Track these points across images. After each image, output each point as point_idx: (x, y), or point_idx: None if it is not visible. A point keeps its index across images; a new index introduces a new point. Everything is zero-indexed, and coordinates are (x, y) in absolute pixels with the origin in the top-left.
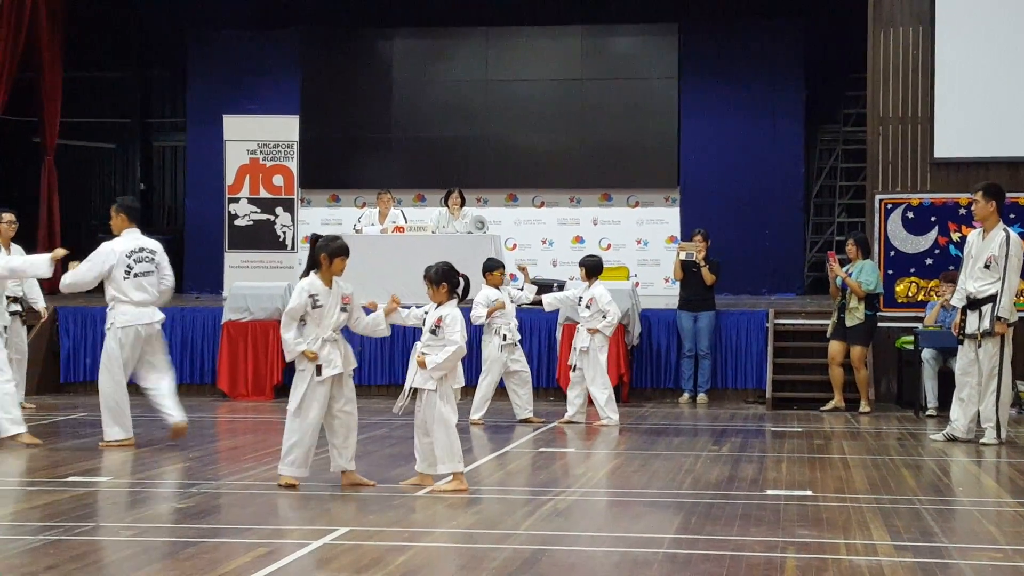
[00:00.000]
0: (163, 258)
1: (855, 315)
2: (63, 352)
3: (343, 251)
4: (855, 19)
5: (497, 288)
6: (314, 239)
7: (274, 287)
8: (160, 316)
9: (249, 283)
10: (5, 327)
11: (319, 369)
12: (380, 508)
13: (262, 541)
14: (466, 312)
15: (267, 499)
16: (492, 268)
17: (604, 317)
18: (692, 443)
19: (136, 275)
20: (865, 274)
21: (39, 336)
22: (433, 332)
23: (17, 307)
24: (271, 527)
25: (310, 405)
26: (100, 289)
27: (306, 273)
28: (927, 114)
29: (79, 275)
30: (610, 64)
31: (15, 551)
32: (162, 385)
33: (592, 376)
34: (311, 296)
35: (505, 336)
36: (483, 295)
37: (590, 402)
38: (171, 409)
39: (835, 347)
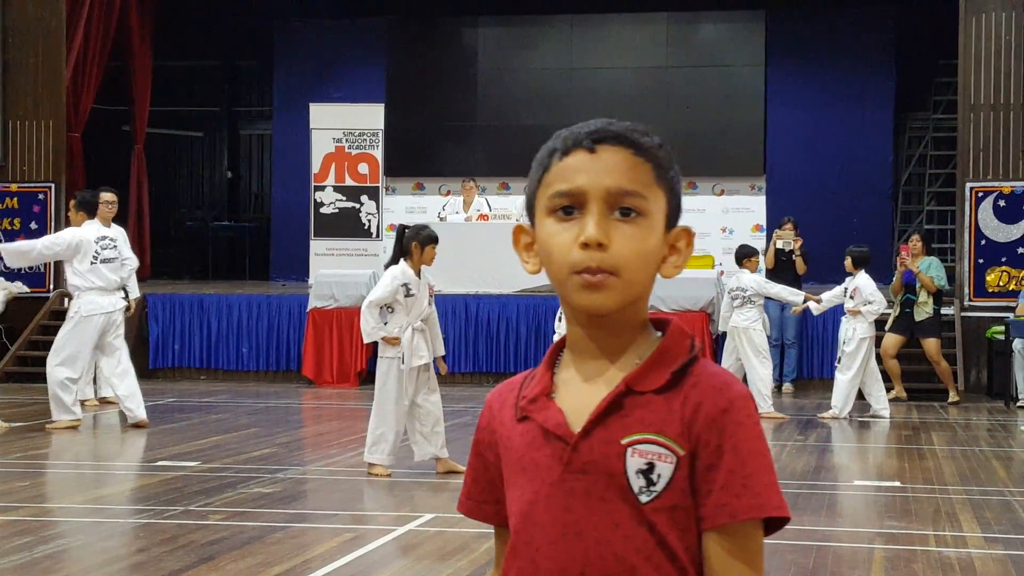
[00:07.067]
0: (124, 244)
1: (924, 309)
2: (152, 338)
3: (434, 239)
4: (946, 5)
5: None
6: (400, 229)
7: (359, 275)
8: (123, 303)
9: (334, 271)
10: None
11: (403, 358)
12: None
13: (348, 527)
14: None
15: (352, 485)
16: (749, 255)
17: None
18: (778, 433)
19: (102, 262)
20: (934, 269)
21: (128, 322)
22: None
23: (120, 294)
24: (357, 513)
25: (398, 394)
26: (186, 277)
27: (394, 261)
28: (1020, 101)
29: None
30: (696, 51)
31: (106, 534)
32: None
33: (847, 365)
34: (404, 285)
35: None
36: (754, 280)
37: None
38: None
39: (891, 340)
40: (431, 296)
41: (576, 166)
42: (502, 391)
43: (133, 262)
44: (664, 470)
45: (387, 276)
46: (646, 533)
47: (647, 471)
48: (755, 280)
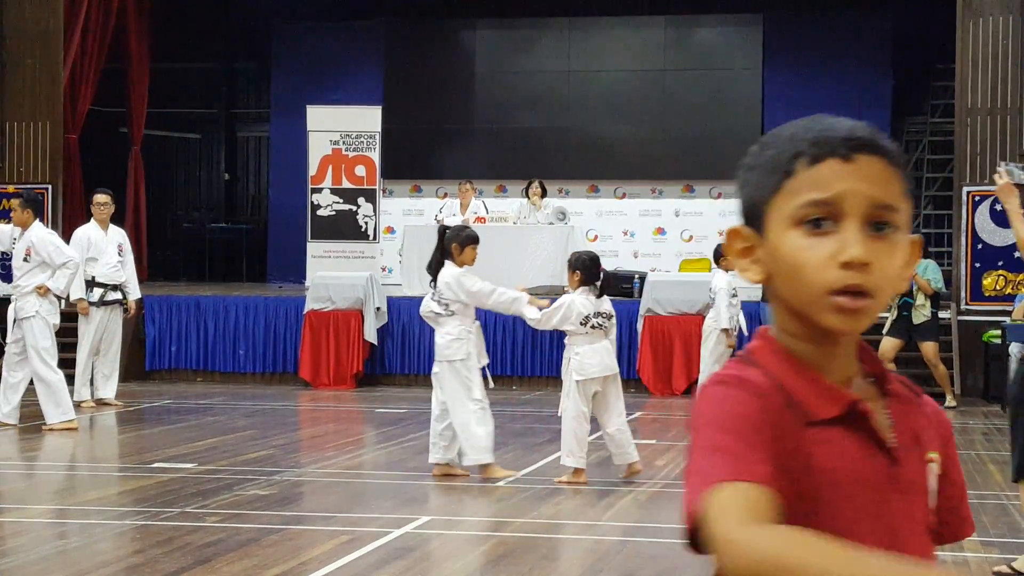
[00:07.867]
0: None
1: (922, 312)
2: (148, 340)
3: (474, 239)
4: (943, 9)
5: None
6: (441, 230)
7: (356, 277)
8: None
9: (331, 273)
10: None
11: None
12: (462, 498)
13: (344, 529)
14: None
15: (349, 487)
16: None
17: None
18: None
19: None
20: (931, 272)
21: (125, 323)
22: None
23: (118, 295)
24: (353, 515)
25: (480, 390)
26: (183, 279)
27: (440, 264)
28: (1016, 105)
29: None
30: (693, 55)
31: (102, 536)
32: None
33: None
34: None
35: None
36: (724, 282)
37: None
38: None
39: (888, 343)
40: None
41: (832, 175)
42: (768, 379)
43: (72, 264)
44: (935, 485)
45: (458, 277)
46: (929, 551)
47: (933, 487)
48: (725, 282)
